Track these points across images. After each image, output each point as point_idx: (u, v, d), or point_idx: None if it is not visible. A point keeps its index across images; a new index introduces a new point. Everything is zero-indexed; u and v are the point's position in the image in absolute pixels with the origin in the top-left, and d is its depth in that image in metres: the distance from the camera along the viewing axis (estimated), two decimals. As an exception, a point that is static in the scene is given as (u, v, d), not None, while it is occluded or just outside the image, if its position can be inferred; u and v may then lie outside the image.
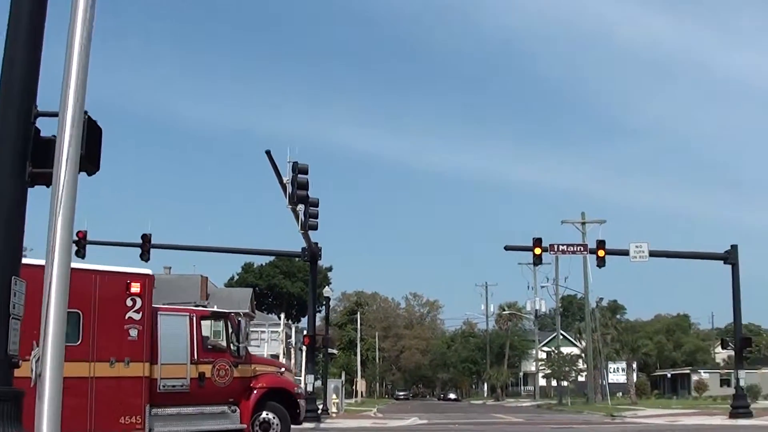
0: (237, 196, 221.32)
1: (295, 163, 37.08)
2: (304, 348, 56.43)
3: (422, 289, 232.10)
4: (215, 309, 27.04)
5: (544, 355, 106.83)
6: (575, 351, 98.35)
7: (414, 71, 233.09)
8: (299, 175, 36.99)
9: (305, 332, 53.98)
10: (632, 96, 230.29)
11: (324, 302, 65.26)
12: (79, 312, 21.90)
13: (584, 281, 79.68)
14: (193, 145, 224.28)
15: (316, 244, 45.02)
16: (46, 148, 10.54)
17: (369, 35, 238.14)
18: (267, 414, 25.79)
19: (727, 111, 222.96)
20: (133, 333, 22.75)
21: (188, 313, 25.18)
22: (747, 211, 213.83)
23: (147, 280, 23.40)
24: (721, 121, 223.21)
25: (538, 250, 48.42)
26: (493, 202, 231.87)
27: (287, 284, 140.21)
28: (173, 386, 23.64)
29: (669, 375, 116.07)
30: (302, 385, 44.15)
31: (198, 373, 24.24)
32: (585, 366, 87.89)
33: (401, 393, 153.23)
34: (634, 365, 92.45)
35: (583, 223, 73.55)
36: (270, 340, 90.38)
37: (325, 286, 70.33)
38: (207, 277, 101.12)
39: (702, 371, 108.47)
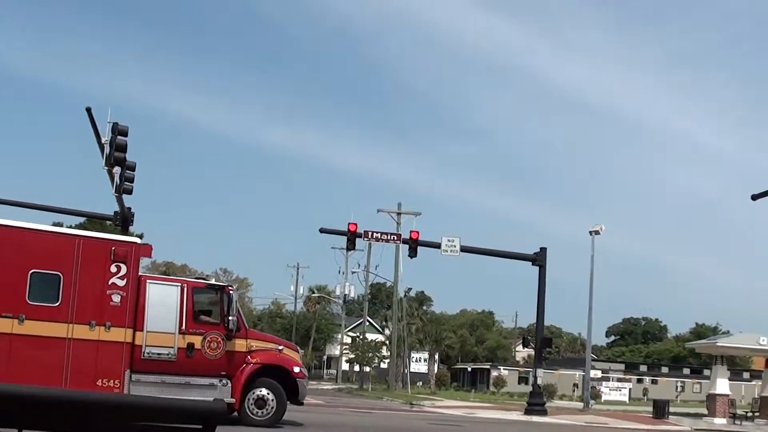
0: (47, 153, 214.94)
1: (115, 124, 36.19)
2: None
3: (233, 265, 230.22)
4: (212, 282, 26.38)
5: (349, 340, 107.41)
6: (380, 338, 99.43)
7: (248, 45, 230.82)
8: (118, 137, 36.12)
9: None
10: (465, 98, 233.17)
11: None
12: (60, 274, 22.55)
13: (394, 270, 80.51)
14: (6, 93, 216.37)
15: (129, 208, 44.05)
16: None
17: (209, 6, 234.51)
18: (262, 390, 25.50)
19: (554, 120, 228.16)
20: (116, 299, 23.10)
21: (179, 284, 25.24)
22: (558, 218, 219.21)
23: (134, 248, 23.78)
24: (544, 130, 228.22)
25: (352, 236, 48.61)
26: (313, 184, 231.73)
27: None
28: (159, 354, 23.77)
29: (470, 369, 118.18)
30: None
31: (186, 343, 24.24)
32: (389, 353, 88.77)
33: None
34: (437, 356, 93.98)
35: (399, 214, 74.03)
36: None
37: (134, 253, 69.02)
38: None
39: (502, 367, 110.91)
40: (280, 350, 26.76)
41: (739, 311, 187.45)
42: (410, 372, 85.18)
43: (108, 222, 57.17)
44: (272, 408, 25.51)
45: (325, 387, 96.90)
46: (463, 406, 51.59)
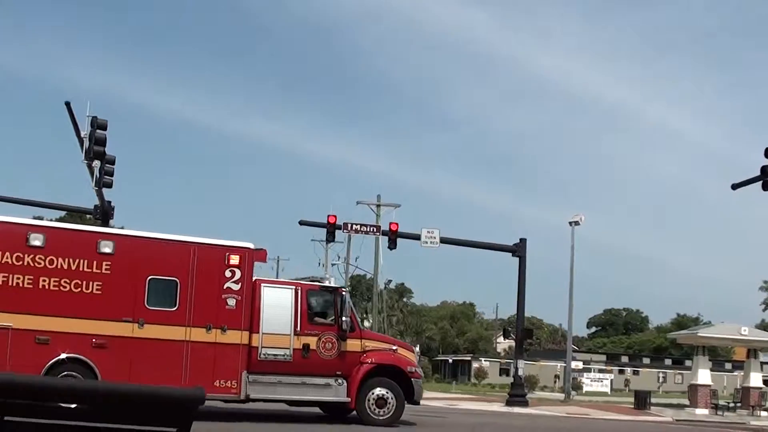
0: (28, 146, 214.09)
1: (94, 118, 36.09)
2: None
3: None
4: (326, 284, 26.80)
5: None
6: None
7: (225, 36, 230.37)
8: (97, 131, 36.02)
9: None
10: (443, 87, 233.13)
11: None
12: (176, 280, 23.80)
13: (375, 262, 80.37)
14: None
15: (110, 202, 43.89)
16: None
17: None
18: (382, 390, 25.95)
19: (534, 110, 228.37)
20: (231, 302, 24.23)
21: (294, 286, 26.06)
22: (538, 208, 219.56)
23: (247, 254, 24.80)
24: (526, 120, 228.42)
25: (331, 227, 48.59)
26: (292, 175, 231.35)
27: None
28: (275, 355, 24.72)
29: (451, 360, 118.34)
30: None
31: (302, 344, 25.06)
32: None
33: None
34: (417, 348, 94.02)
35: (378, 206, 73.92)
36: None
37: (115, 247, 68.82)
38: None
39: (483, 359, 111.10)
40: (395, 350, 27.22)
41: (721, 302, 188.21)
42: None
43: (88, 216, 56.93)
44: (392, 407, 26.09)
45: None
46: (445, 398, 51.68)
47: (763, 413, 50.07)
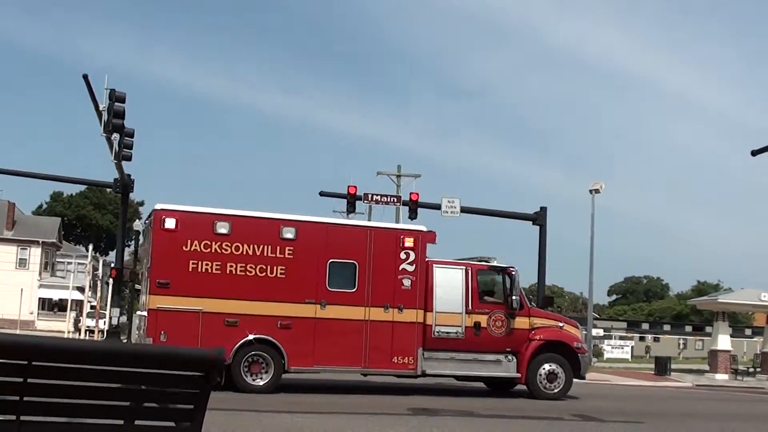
0: (48, 120, 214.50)
1: (112, 91, 36.17)
2: (110, 281, 55.48)
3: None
4: (494, 263, 27.70)
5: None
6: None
7: (242, 9, 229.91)
8: (116, 104, 36.09)
9: (113, 265, 53.01)
10: (464, 56, 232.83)
11: (133, 237, 64.15)
12: (355, 263, 25.06)
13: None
14: (4, 64, 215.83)
15: (129, 175, 44.03)
16: None
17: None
18: (552, 365, 26.84)
19: (553, 79, 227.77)
20: (407, 283, 25.40)
21: (464, 267, 26.81)
22: (558, 177, 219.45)
23: (420, 236, 26.04)
24: (545, 88, 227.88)
25: (351, 198, 48.49)
26: (312, 148, 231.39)
27: (97, 216, 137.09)
28: (447, 333, 25.74)
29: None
30: (107, 318, 43.06)
31: (473, 322, 26.01)
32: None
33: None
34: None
35: (399, 176, 73.80)
36: (77, 272, 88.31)
37: (135, 220, 69.10)
38: (14, 204, 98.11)
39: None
40: (561, 327, 28.00)
41: (741, 268, 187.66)
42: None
43: (108, 189, 57.31)
44: (562, 382, 26.82)
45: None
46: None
47: (783, 378, 50.04)
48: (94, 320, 69.04)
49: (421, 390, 27.04)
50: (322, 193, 50.55)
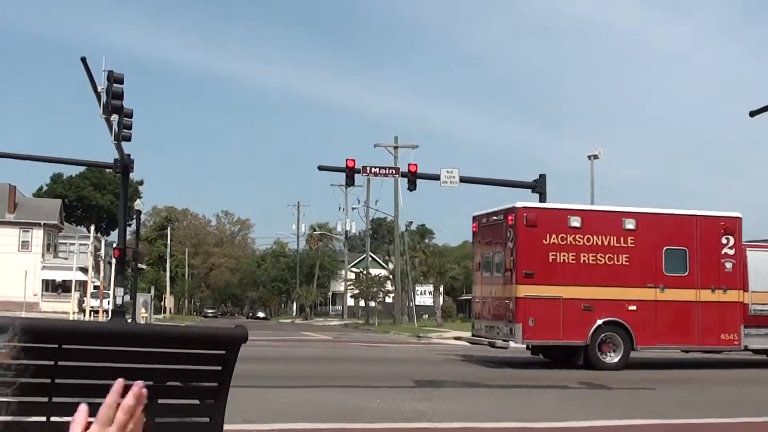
0: (49, 103, 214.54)
1: (110, 72, 36.35)
2: (113, 261, 55.67)
3: (234, 207, 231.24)
4: None
5: (353, 276, 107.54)
6: (384, 273, 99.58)
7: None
8: (114, 85, 36.28)
9: (115, 245, 53.22)
10: (456, 24, 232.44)
11: (134, 216, 64.36)
12: (686, 249, 27.29)
13: (394, 204, 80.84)
14: (7, 48, 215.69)
15: (129, 155, 44.22)
16: None
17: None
18: None
19: (547, 45, 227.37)
20: (728, 266, 27.47)
21: None
22: (557, 146, 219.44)
23: (737, 222, 28.06)
24: (538, 55, 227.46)
25: (350, 171, 48.53)
26: (310, 122, 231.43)
27: (97, 196, 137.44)
28: (762, 311, 27.79)
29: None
30: (111, 298, 43.39)
31: None
32: (393, 288, 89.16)
33: (210, 311, 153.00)
34: (441, 289, 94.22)
35: (396, 147, 74.02)
36: (79, 252, 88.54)
37: (136, 200, 69.25)
38: (15, 186, 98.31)
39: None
40: None
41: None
42: (416, 305, 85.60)
43: (108, 170, 57.37)
44: None
45: (331, 323, 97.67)
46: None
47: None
48: (98, 300, 69.30)
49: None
50: (320, 167, 50.65)
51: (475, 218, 29.94)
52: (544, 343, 26.92)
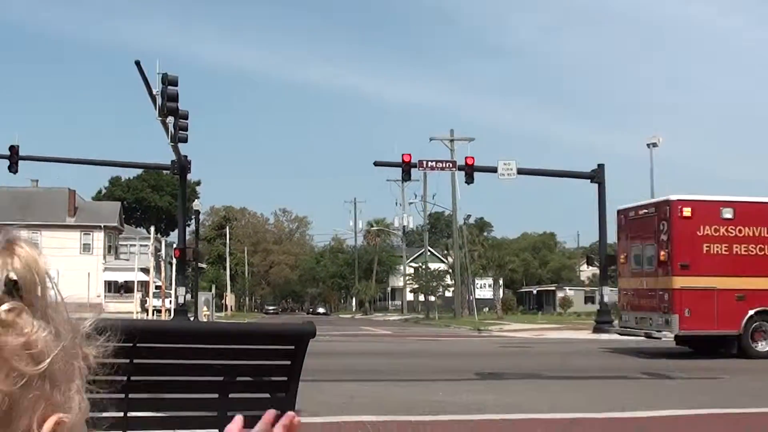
0: (105, 108, 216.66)
1: (164, 75, 36.66)
2: (174, 261, 56.17)
3: (291, 204, 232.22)
4: None
5: (411, 271, 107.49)
6: (443, 267, 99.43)
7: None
8: (169, 87, 36.60)
9: (175, 246, 53.69)
10: (505, 16, 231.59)
11: (193, 216, 64.87)
12: None
13: (452, 198, 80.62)
14: (62, 55, 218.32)
15: (186, 157, 44.57)
16: None
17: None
18: None
19: (596, 36, 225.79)
20: None
21: None
22: (614, 135, 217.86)
23: None
24: (589, 46, 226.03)
25: (406, 166, 48.45)
26: (365, 118, 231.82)
27: (155, 198, 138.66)
28: None
29: (535, 291, 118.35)
30: (172, 297, 43.74)
31: None
32: (452, 281, 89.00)
33: (270, 307, 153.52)
34: (501, 281, 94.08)
35: (452, 140, 73.83)
36: (140, 253, 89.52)
37: (194, 200, 69.74)
38: (75, 191, 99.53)
39: (567, 288, 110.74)
40: None
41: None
42: (475, 299, 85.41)
43: (165, 171, 57.91)
44: None
45: (391, 318, 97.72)
46: (531, 329, 51.82)
47: None
48: (161, 300, 69.95)
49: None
50: (376, 163, 50.75)
51: (620, 212, 30.64)
52: (699, 333, 27.16)
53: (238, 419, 1.53)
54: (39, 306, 1.19)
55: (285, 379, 4.53)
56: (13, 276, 1.16)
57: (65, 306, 1.26)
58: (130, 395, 4.12)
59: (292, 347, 4.47)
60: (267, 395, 4.64)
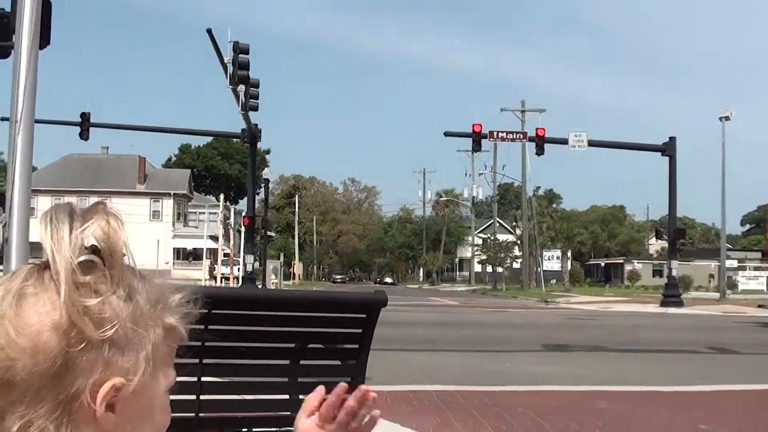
0: (176, 76, 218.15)
1: (236, 43, 36.80)
2: (242, 229, 56.59)
3: (360, 174, 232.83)
4: None
5: (480, 242, 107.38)
6: (511, 238, 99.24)
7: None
8: (240, 55, 36.73)
9: (244, 214, 54.06)
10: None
11: (263, 184, 65.30)
12: None
13: (522, 169, 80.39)
14: (133, 22, 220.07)
15: (256, 125, 44.77)
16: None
17: None
18: None
19: (675, 4, 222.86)
20: None
21: None
22: (686, 108, 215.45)
23: None
24: (660, 14, 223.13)
25: (477, 137, 48.31)
26: (435, 89, 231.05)
27: (225, 166, 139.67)
28: None
29: (603, 264, 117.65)
30: (241, 265, 44.05)
31: None
32: (520, 253, 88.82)
33: (338, 276, 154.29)
34: (569, 254, 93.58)
35: (523, 112, 73.58)
36: (209, 221, 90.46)
37: (264, 169, 70.16)
38: (145, 158, 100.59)
39: (635, 261, 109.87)
40: None
41: None
42: (543, 270, 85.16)
43: (235, 139, 58.27)
44: None
45: (458, 289, 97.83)
46: (598, 301, 51.66)
47: None
48: (228, 267, 70.61)
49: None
50: (446, 133, 50.70)
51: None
52: None
53: (320, 389, 1.56)
54: (116, 273, 1.23)
55: (356, 346, 4.59)
56: (94, 242, 1.20)
57: (148, 274, 1.31)
58: (204, 360, 4.21)
59: (364, 315, 4.53)
60: (338, 362, 4.72)
